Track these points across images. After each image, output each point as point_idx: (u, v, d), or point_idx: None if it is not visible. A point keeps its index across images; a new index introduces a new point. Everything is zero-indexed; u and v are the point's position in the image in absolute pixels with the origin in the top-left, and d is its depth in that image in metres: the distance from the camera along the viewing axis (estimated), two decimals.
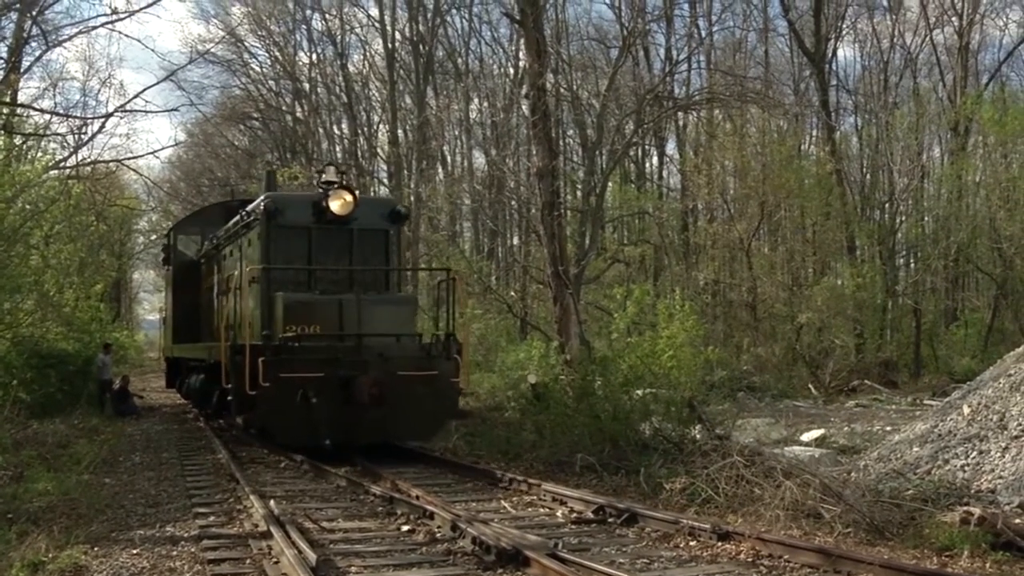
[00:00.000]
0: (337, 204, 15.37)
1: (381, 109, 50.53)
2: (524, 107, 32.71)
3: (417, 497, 10.85)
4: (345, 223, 15.63)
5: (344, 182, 16.27)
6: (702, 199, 38.77)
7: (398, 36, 44.31)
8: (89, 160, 31.11)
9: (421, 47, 42.15)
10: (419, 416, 14.67)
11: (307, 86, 53.36)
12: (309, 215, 15.66)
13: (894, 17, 42.78)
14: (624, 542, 9.11)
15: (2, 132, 22.39)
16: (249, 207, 17.11)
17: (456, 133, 47.64)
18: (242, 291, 15.57)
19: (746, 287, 34.45)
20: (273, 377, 13.73)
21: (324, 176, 16.13)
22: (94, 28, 25.81)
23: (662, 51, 42.66)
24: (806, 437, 17.52)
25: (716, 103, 33.57)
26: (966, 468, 11.94)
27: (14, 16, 24.89)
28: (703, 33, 40.28)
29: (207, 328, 20.90)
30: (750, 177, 35.38)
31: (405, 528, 9.71)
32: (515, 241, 43.86)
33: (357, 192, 16.04)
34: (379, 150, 50.82)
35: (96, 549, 8.87)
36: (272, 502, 10.38)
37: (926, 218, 38.82)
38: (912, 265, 39.06)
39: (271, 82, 55.23)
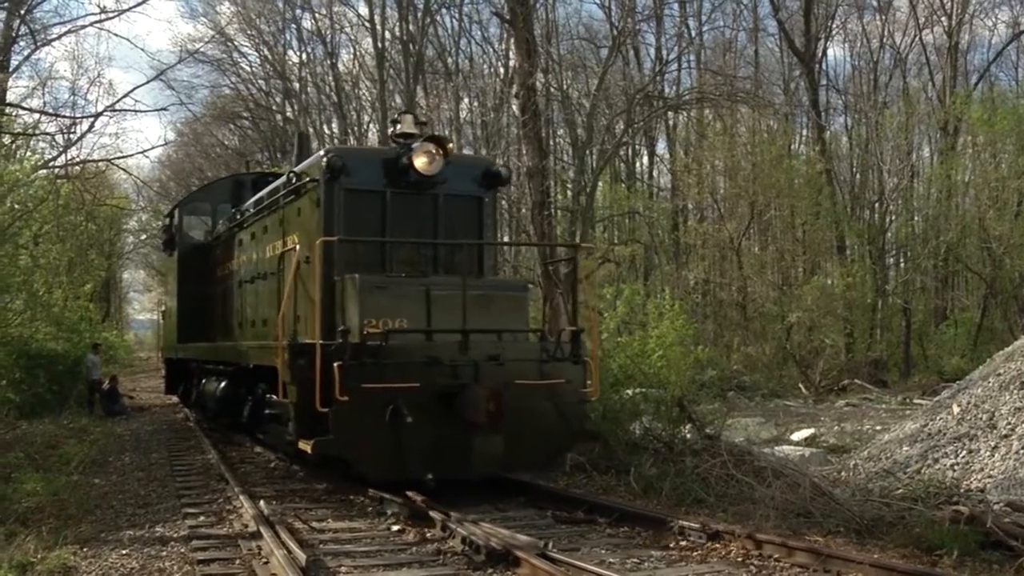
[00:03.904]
0: (423, 160, 11.93)
1: (371, 108, 50.55)
2: (514, 106, 32.63)
3: (407, 497, 10.77)
4: (429, 187, 12.21)
5: (428, 134, 12.77)
6: (692, 199, 38.85)
7: (388, 35, 44.32)
8: (78, 159, 31.01)
9: (411, 46, 42.12)
10: (540, 439, 11.36)
11: (297, 85, 53.37)
12: (381, 176, 12.17)
13: (884, 17, 43.07)
14: (614, 542, 9.08)
15: None
16: (299, 167, 13.19)
17: (446, 132, 47.59)
18: (294, 274, 11.92)
19: (736, 286, 34.51)
20: (353, 388, 10.31)
21: (400, 127, 12.48)
22: (83, 27, 25.74)
23: (652, 51, 42.88)
24: (796, 436, 17.58)
25: (706, 103, 33.71)
26: (956, 467, 11.99)
27: (2, 15, 24.87)
28: (693, 33, 40.52)
29: (224, 324, 17.49)
30: (740, 177, 35.48)
31: (395, 528, 9.67)
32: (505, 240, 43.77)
33: (450, 144, 12.42)
34: None
35: (85, 550, 8.82)
36: (262, 502, 10.34)
37: (916, 218, 38.96)
38: (902, 264, 39.22)
39: (261, 81, 55.34)
